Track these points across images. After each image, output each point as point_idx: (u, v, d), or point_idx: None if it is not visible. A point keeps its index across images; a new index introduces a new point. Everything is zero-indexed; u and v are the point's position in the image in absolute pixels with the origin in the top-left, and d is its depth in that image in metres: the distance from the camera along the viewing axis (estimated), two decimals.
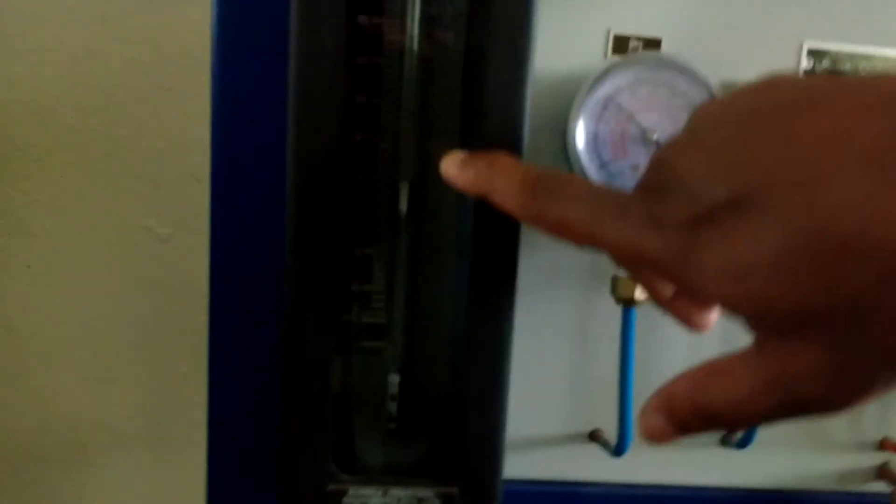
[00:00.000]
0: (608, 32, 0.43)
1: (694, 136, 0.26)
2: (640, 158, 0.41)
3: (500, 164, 0.32)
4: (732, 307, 0.24)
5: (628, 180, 0.41)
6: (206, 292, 1.03)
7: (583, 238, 0.28)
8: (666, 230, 0.25)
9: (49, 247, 0.98)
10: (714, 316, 0.32)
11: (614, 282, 0.43)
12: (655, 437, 0.27)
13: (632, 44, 0.44)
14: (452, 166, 0.33)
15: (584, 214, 0.27)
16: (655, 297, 0.34)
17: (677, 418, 0.26)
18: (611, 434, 0.47)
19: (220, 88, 0.43)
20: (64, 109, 0.94)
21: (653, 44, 0.44)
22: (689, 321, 0.33)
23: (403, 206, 0.38)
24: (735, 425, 0.26)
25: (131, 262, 0.99)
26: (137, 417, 1.02)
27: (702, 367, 0.26)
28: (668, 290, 0.33)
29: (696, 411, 0.26)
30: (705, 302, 0.25)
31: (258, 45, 0.42)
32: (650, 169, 0.28)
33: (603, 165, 0.41)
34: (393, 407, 0.39)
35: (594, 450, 0.48)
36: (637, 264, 0.27)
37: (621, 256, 0.28)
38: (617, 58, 0.43)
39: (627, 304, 0.42)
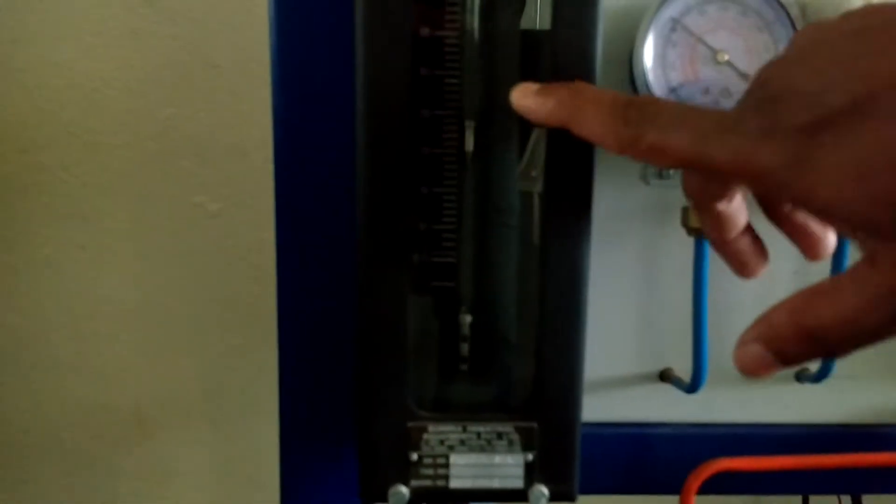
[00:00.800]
0: None
1: (803, 52, 0.26)
2: (711, 81, 0.40)
3: (584, 93, 0.31)
4: (853, 212, 0.23)
5: (700, 105, 0.40)
6: (257, 264, 1.04)
7: (685, 159, 0.27)
8: (782, 138, 0.24)
9: (103, 228, 0.99)
10: (832, 239, 0.32)
11: (685, 213, 0.42)
12: (755, 368, 0.26)
13: None
14: (526, 97, 0.32)
15: (686, 135, 0.27)
16: (722, 236, 0.33)
17: (780, 345, 0.25)
18: (682, 373, 0.46)
19: (280, 61, 0.42)
20: (112, 92, 0.95)
21: None
22: (805, 246, 0.32)
23: (470, 144, 0.37)
24: (843, 346, 0.25)
25: (183, 239, 1.00)
26: (195, 391, 1.04)
27: (804, 291, 0.25)
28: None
29: (802, 335, 0.25)
30: (821, 213, 0.24)
31: (316, 17, 0.41)
32: (754, 87, 0.27)
33: (672, 90, 0.40)
34: (465, 347, 0.38)
35: (666, 389, 0.47)
36: (749, 179, 0.26)
37: (732, 173, 0.27)
38: None
39: (700, 234, 0.41)
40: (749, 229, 0.33)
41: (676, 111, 0.28)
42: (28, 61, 0.94)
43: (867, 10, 0.26)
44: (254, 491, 1.06)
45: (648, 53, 0.39)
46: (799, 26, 0.39)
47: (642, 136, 0.28)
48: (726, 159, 0.26)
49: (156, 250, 1.00)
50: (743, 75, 0.40)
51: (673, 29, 0.39)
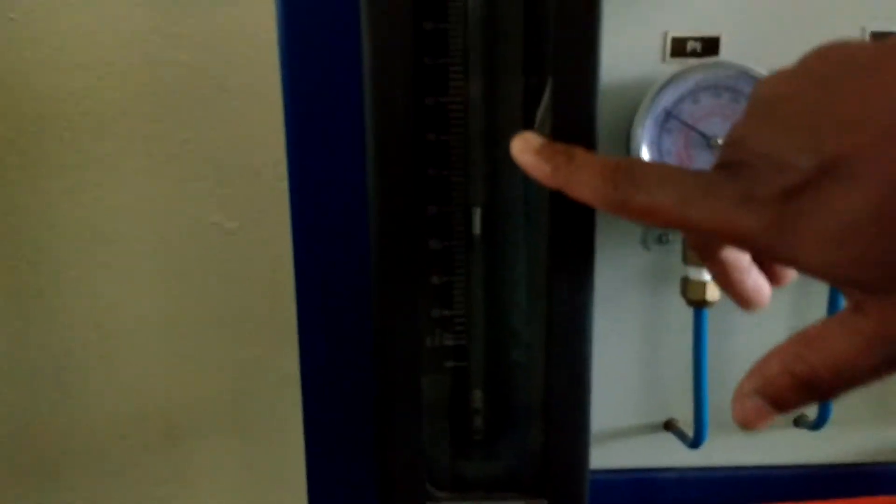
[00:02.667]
0: (665, 35, 0.44)
1: (766, 109, 0.26)
2: (706, 164, 0.41)
3: (577, 158, 0.32)
4: (834, 273, 0.24)
5: None
6: (273, 279, 1.07)
7: (672, 221, 0.28)
8: (759, 205, 0.25)
9: (126, 248, 1.03)
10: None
11: (684, 284, 0.44)
12: (754, 420, 0.27)
13: (690, 45, 0.44)
14: (526, 153, 0.33)
15: (672, 198, 0.27)
16: (724, 276, 0.34)
17: (775, 395, 0.26)
18: (685, 423, 0.48)
19: (290, 83, 0.44)
20: (130, 118, 0.97)
21: (711, 42, 0.44)
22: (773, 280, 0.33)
23: (477, 229, 0.40)
24: (836, 390, 0.25)
25: (203, 257, 1.03)
26: (219, 400, 1.08)
27: (793, 339, 0.26)
28: (741, 265, 0.33)
29: (796, 383, 0.25)
30: (806, 273, 0.25)
31: (325, 36, 0.43)
32: (727, 148, 0.28)
33: None
34: (478, 421, 0.41)
35: (668, 437, 0.49)
36: (731, 243, 0.27)
37: (715, 236, 0.28)
38: (676, 62, 0.43)
39: (699, 305, 0.43)
40: (752, 268, 0.33)
41: (661, 174, 0.28)
42: (45, 89, 0.96)
43: (825, 54, 0.26)
44: (280, 496, 1.10)
45: (644, 139, 0.41)
46: None
47: (630, 200, 0.29)
48: (709, 223, 0.26)
49: (177, 268, 1.04)
50: None
51: (667, 118, 0.41)
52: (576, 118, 0.36)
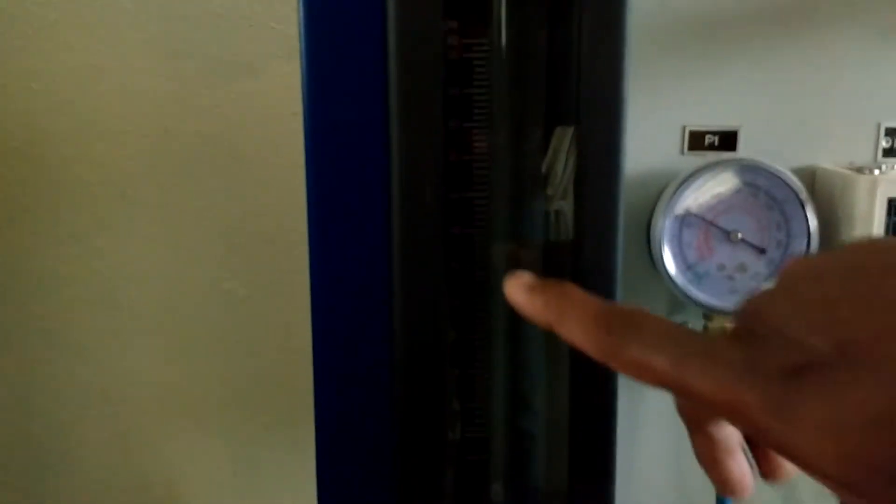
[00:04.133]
0: (683, 129, 0.44)
1: (790, 288, 0.26)
2: (726, 258, 0.42)
3: (571, 296, 0.30)
4: (826, 467, 0.23)
5: (715, 280, 0.42)
6: (285, 346, 1.07)
7: (665, 381, 0.26)
8: (763, 379, 0.24)
9: (137, 316, 1.03)
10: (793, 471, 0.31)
11: None
12: None
13: (707, 138, 0.44)
14: (518, 292, 0.32)
15: (668, 356, 0.26)
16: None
17: None
18: None
19: (313, 150, 0.44)
20: (145, 186, 0.98)
21: (729, 135, 0.44)
22: (764, 471, 0.31)
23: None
24: None
25: (214, 324, 1.03)
26: (227, 468, 1.06)
27: None
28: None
29: None
30: (795, 461, 0.24)
31: (349, 107, 0.43)
32: (739, 317, 0.27)
33: (689, 267, 0.42)
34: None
35: None
36: (726, 415, 0.25)
37: (711, 404, 0.26)
38: (694, 155, 0.44)
39: None
40: (739, 451, 0.32)
41: (662, 328, 0.27)
42: (63, 158, 0.97)
43: (865, 247, 0.25)
44: None
45: (665, 232, 0.41)
46: (808, 205, 0.41)
47: (624, 349, 0.27)
48: (707, 389, 0.25)
49: (187, 335, 1.04)
50: (759, 250, 0.42)
51: (687, 213, 0.41)
52: (599, 205, 0.36)
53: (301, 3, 0.41)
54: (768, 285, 0.27)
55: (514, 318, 0.40)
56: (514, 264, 0.39)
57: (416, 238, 0.36)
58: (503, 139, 0.37)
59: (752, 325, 0.26)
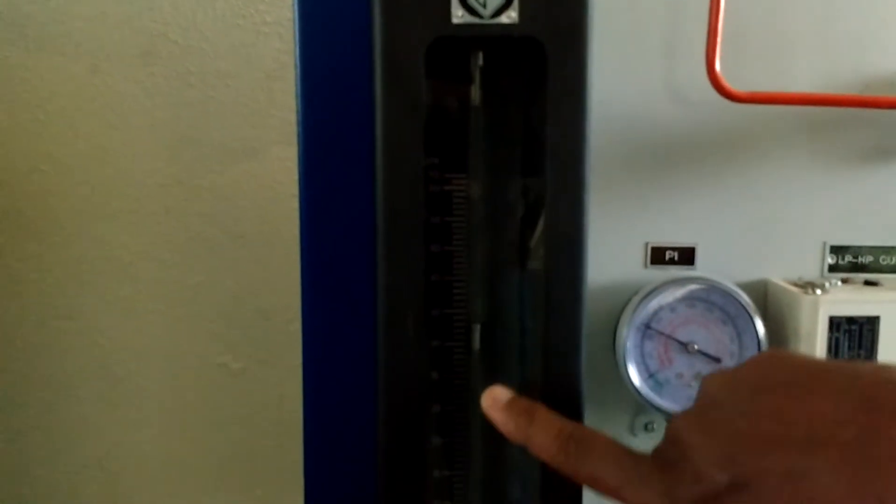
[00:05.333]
0: (646, 245, 0.49)
1: (701, 410, 0.31)
2: (684, 367, 0.45)
3: (537, 419, 0.36)
4: None
5: (674, 387, 0.46)
6: (277, 419, 1.09)
7: (611, 495, 0.32)
8: None
9: (135, 387, 1.06)
10: None
11: None
12: None
13: (668, 254, 0.49)
14: (494, 409, 0.37)
15: (611, 476, 0.32)
16: None
17: None
18: None
19: (308, 228, 0.47)
20: (146, 263, 1.02)
21: (688, 251, 0.49)
22: None
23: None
24: None
25: (209, 397, 1.06)
26: None
27: None
28: None
29: None
30: None
31: (343, 187, 0.46)
32: (666, 438, 0.32)
33: (651, 375, 0.45)
34: None
35: None
36: None
37: None
38: (655, 269, 0.48)
39: None
40: None
41: (607, 452, 0.33)
42: (69, 235, 1.02)
43: (762, 363, 0.30)
44: None
45: (629, 346, 0.45)
46: (757, 319, 0.45)
47: (579, 469, 0.33)
48: None
49: (183, 407, 1.06)
50: (713, 359, 0.46)
51: (648, 326, 0.45)
52: (564, 320, 0.40)
53: (299, 95, 0.45)
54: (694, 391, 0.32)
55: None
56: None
57: (399, 319, 0.39)
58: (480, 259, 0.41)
59: (674, 450, 0.31)
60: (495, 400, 0.37)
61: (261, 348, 1.06)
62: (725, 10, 0.44)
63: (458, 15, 0.35)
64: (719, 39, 0.43)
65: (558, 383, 0.40)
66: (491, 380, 0.42)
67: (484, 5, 0.35)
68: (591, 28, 0.37)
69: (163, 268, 1.03)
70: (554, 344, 0.39)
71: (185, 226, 1.02)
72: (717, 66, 0.43)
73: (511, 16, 0.35)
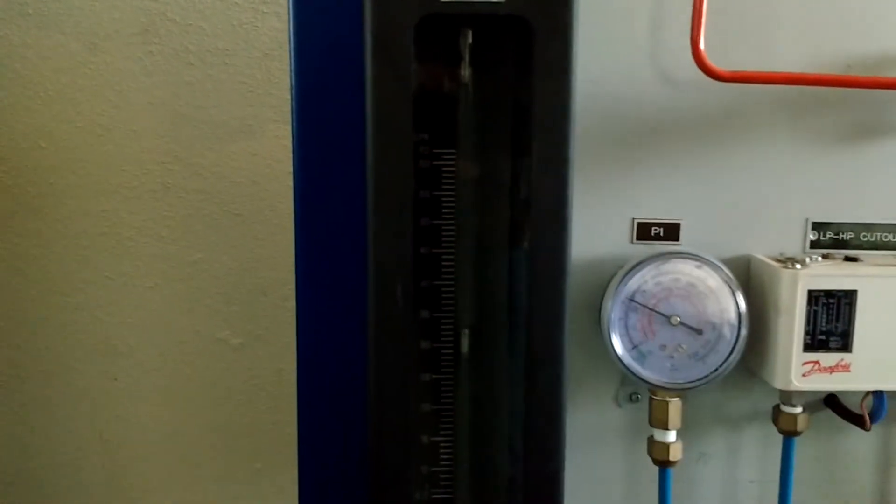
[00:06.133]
0: (633, 221, 0.50)
1: None
2: (666, 339, 0.47)
3: None
4: None
5: (657, 357, 0.47)
6: (275, 394, 1.11)
7: None
8: None
9: (134, 362, 1.07)
10: None
11: (650, 443, 0.49)
12: None
13: (653, 230, 0.50)
14: None
15: None
16: None
17: None
18: None
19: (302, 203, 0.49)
20: (146, 240, 1.04)
21: (673, 227, 0.50)
22: None
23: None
24: None
25: (208, 371, 1.08)
26: None
27: None
28: None
29: None
30: None
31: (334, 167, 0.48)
32: None
33: (634, 346, 0.47)
34: None
35: None
36: None
37: None
38: (641, 244, 0.49)
39: (663, 465, 0.48)
40: None
41: None
42: (70, 211, 1.03)
43: None
44: None
45: (613, 319, 0.47)
46: (738, 293, 0.46)
47: None
48: None
49: (183, 381, 1.08)
50: (695, 331, 0.47)
51: (632, 299, 0.47)
52: (549, 293, 0.41)
53: (293, 73, 0.46)
54: None
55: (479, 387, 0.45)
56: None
57: (390, 291, 0.41)
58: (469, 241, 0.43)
59: None
60: None
61: (259, 324, 1.08)
62: None
63: None
64: (704, 19, 0.44)
65: (542, 356, 0.41)
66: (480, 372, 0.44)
67: None
68: (576, 8, 0.37)
69: (162, 244, 1.04)
70: (538, 316, 0.41)
71: (184, 203, 1.03)
72: (702, 46, 0.44)
73: None
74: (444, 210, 0.43)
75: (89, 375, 1.07)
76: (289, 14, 0.46)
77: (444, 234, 0.43)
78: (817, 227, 0.50)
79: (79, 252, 1.04)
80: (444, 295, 0.44)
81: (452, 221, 0.43)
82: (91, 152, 1.02)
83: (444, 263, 0.43)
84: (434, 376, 0.45)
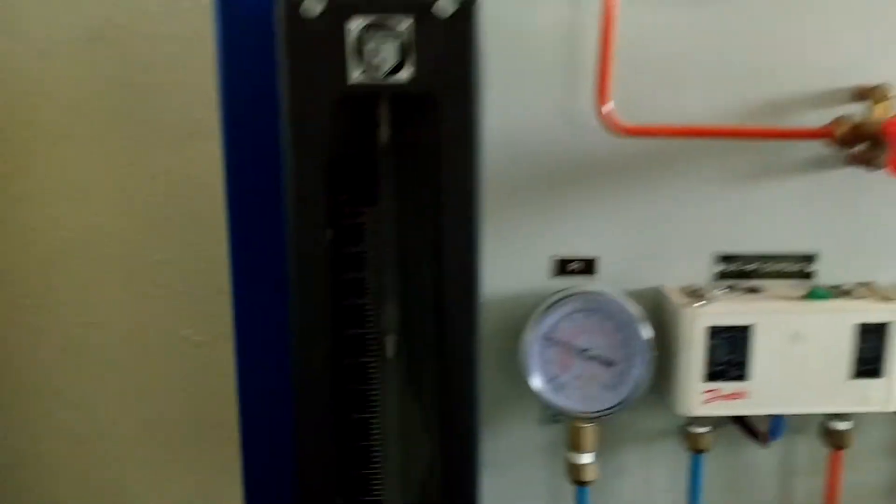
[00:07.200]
0: (551, 258, 0.53)
1: None
2: (581, 370, 0.51)
3: None
4: None
5: (572, 389, 0.51)
6: (234, 392, 1.15)
7: None
8: None
9: (99, 359, 1.10)
10: None
11: (567, 465, 0.53)
12: None
13: (571, 265, 0.53)
14: None
15: None
16: None
17: None
18: None
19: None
20: (108, 242, 1.05)
21: (590, 262, 0.53)
22: None
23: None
24: None
25: (172, 368, 1.11)
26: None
27: None
28: None
29: None
30: None
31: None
32: None
33: (551, 379, 0.51)
34: None
35: None
36: None
37: None
38: (560, 279, 0.53)
39: (580, 485, 0.52)
40: None
41: None
42: (30, 216, 1.04)
43: None
44: None
45: (531, 353, 0.50)
46: (643, 327, 0.50)
47: None
48: None
49: (149, 377, 1.11)
50: (607, 362, 0.51)
51: (550, 334, 0.50)
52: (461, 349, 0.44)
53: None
54: None
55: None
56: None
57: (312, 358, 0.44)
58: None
59: None
60: None
61: (221, 322, 1.10)
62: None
63: (355, 75, 0.39)
64: (608, 85, 0.47)
65: (457, 396, 0.45)
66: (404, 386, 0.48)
67: (378, 66, 0.38)
68: (479, 83, 0.40)
69: (125, 246, 1.06)
70: (451, 358, 0.44)
71: (144, 205, 1.05)
72: (605, 109, 0.47)
73: (404, 75, 0.39)
74: (368, 264, 0.46)
75: (56, 374, 1.09)
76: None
77: (368, 285, 0.46)
78: (724, 259, 0.54)
79: (45, 258, 1.05)
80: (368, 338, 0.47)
81: (373, 275, 0.46)
82: (47, 157, 1.03)
83: (367, 312, 0.47)
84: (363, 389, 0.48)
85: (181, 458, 1.13)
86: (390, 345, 0.48)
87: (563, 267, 0.53)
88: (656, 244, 0.54)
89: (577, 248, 0.53)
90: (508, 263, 0.53)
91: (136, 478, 1.13)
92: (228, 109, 0.50)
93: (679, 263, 0.54)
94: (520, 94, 0.50)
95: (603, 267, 0.54)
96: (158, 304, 1.08)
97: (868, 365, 0.51)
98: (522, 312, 0.52)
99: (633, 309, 0.50)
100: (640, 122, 0.50)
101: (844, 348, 0.50)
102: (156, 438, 1.12)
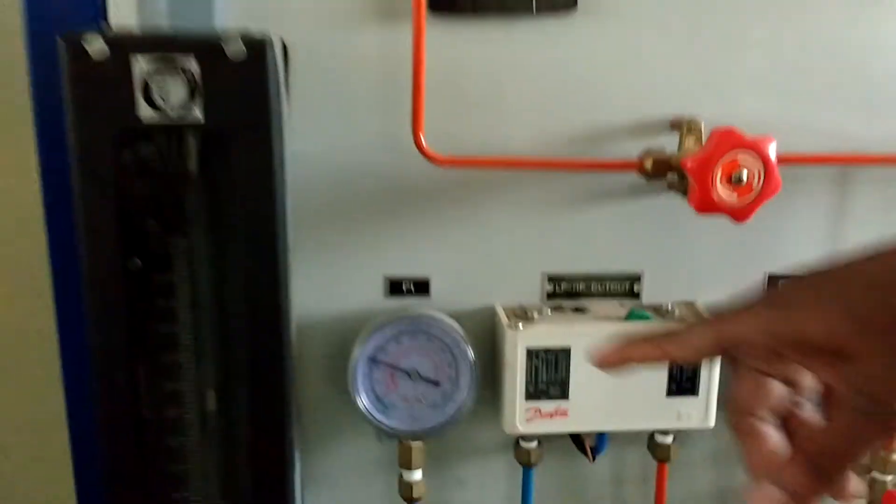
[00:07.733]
0: (385, 278, 0.54)
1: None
2: (408, 391, 0.51)
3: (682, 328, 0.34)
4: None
5: (399, 408, 0.52)
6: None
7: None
8: None
9: None
10: None
11: (399, 481, 0.54)
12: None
13: (405, 285, 0.54)
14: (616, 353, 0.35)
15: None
16: None
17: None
18: None
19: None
20: None
21: (423, 283, 0.54)
22: None
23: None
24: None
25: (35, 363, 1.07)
26: None
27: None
28: None
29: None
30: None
31: None
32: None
33: (378, 399, 0.51)
34: None
35: None
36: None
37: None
38: (393, 299, 0.53)
39: (411, 501, 0.53)
40: None
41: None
42: None
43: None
44: None
45: (359, 374, 0.51)
46: (467, 347, 0.51)
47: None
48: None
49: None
50: (433, 383, 0.52)
51: (376, 356, 0.51)
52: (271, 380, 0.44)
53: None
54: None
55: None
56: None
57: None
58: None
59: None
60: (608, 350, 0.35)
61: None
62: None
63: (144, 112, 0.38)
64: (422, 118, 0.47)
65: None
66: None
67: (168, 103, 0.37)
68: (276, 117, 0.40)
69: None
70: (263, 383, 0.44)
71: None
72: (420, 139, 0.48)
73: (196, 114, 0.38)
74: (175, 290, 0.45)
75: None
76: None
77: (180, 310, 0.46)
78: (552, 279, 0.55)
79: None
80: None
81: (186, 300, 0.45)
82: None
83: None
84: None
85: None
86: (210, 399, 0.47)
87: (397, 287, 0.54)
88: (487, 265, 0.55)
89: (410, 269, 0.54)
90: (344, 283, 0.53)
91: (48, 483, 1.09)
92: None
93: (512, 284, 0.55)
94: (345, 121, 0.51)
95: (436, 287, 0.54)
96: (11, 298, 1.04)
97: (684, 384, 0.53)
98: (356, 332, 0.53)
99: (458, 330, 0.51)
100: (465, 152, 0.50)
101: (660, 367, 0.52)
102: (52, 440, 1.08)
